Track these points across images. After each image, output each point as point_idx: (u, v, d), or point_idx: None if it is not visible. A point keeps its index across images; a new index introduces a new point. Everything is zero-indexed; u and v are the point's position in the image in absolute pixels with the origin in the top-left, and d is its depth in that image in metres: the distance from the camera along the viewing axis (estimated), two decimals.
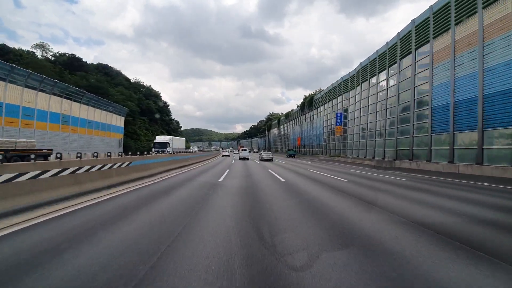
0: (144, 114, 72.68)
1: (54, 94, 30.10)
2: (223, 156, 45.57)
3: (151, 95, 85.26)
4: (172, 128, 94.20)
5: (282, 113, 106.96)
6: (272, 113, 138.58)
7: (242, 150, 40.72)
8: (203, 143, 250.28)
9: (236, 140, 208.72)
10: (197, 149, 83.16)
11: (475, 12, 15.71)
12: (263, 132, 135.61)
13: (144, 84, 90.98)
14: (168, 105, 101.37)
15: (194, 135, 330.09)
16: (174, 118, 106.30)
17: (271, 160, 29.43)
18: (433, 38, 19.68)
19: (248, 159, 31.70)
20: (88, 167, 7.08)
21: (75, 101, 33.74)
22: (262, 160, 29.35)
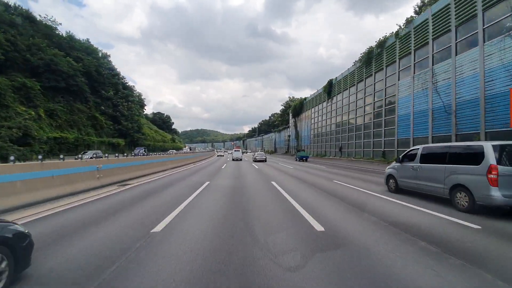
0: (36, 74, 33.93)
1: None
2: (218, 156, 48.85)
3: (73, 48, 46.30)
4: (124, 114, 54.44)
5: (305, 98, 56.09)
6: (293, 97, 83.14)
7: (235, 151, 38.71)
8: (206, 144, 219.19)
9: (242, 139, 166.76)
10: (189, 150, 70.48)
11: None
12: (278, 126, 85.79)
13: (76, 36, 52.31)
14: (117, 74, 61.04)
15: (197, 136, 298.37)
16: (138, 97, 68.19)
17: (264, 161, 27.90)
18: None
19: (241, 159, 31.91)
20: None
21: None
22: (255, 161, 27.74)
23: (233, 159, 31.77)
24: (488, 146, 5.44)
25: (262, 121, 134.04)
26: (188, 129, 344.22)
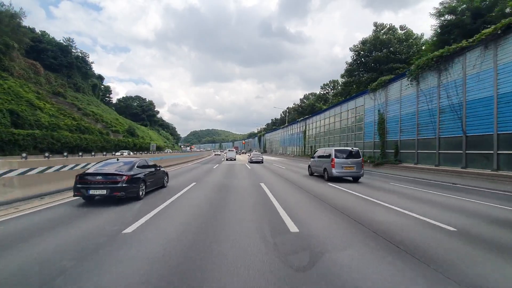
0: None
1: None
2: (215, 154, 59.41)
3: None
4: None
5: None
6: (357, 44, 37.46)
7: (229, 151, 42.27)
8: (214, 144, 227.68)
9: (258, 135, 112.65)
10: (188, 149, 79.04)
11: None
12: (308, 112, 53.89)
13: None
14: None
15: (207, 135, 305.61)
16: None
17: (261, 162, 28.04)
18: None
19: (234, 159, 34.70)
20: None
21: None
22: (251, 162, 28.21)
23: (227, 159, 34.69)
24: (332, 149, 12.53)
25: (288, 108, 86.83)
26: (199, 129, 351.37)
